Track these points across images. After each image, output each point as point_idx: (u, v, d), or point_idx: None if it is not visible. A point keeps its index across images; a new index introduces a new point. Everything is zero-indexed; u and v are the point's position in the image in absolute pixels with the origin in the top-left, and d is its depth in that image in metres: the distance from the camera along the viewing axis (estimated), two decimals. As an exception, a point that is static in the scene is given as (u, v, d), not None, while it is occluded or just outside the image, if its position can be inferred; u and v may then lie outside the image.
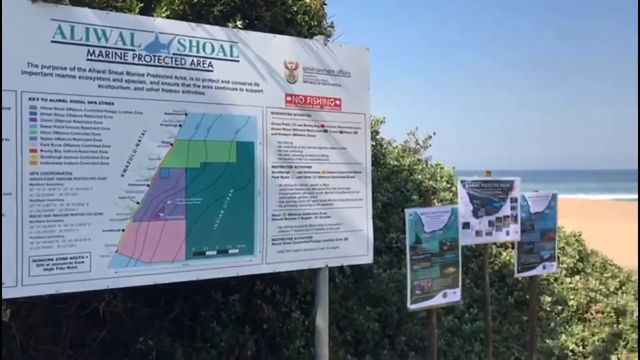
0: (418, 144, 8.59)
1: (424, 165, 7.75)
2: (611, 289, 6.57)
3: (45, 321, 3.78)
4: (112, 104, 2.87)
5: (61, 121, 2.75)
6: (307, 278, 4.88)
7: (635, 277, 7.37)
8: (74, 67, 2.77)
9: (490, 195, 4.43)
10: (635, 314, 6.14)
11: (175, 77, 3.03)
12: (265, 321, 4.78)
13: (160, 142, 2.99)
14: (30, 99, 2.67)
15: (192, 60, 3.08)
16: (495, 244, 6.39)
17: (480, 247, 6.13)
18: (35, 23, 2.68)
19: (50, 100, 2.72)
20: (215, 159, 3.11)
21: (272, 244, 3.24)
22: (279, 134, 3.28)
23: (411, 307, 3.89)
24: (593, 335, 5.66)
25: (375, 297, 5.47)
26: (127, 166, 2.90)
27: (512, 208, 4.52)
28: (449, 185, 7.28)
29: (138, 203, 2.92)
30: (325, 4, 4.22)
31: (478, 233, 4.38)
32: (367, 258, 3.61)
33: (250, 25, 3.61)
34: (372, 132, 7.64)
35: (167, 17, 3.27)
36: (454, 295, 4.16)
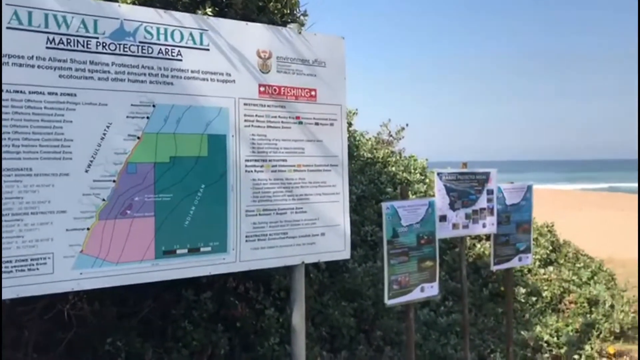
0: (391, 135, 8.53)
1: (398, 157, 7.70)
2: (584, 279, 6.63)
3: (6, 325, 3.59)
4: (75, 95, 2.70)
5: (19, 114, 2.57)
6: (282, 274, 4.78)
7: (607, 267, 7.47)
8: (32, 56, 2.59)
9: (466, 188, 4.38)
10: (608, 303, 6.20)
11: (142, 66, 2.87)
12: (239, 319, 4.68)
13: (127, 135, 2.83)
14: (-16, 90, 2.49)
15: (160, 49, 2.92)
16: (469, 236, 6.37)
17: (454, 239, 6.11)
18: (-12, 8, 2.50)
19: (7, 91, 2.54)
20: (186, 153, 2.96)
21: (246, 240, 3.12)
22: (252, 126, 3.15)
23: (388, 302, 3.82)
24: (567, 325, 5.69)
25: (351, 292, 5.40)
26: (91, 161, 2.74)
27: (489, 200, 4.48)
28: (422, 177, 7.25)
29: (104, 200, 2.77)
30: (298, -8, 4.10)
31: (455, 226, 4.33)
32: (345, 253, 3.52)
33: (221, 13, 3.46)
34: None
35: (133, 3, 3.11)
36: (432, 290, 4.10)
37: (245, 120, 3.12)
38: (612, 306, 6.19)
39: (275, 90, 3.23)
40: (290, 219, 3.25)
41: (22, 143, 2.57)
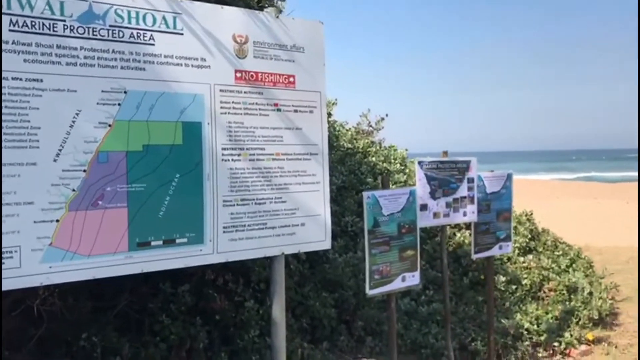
0: (371, 126, 8.47)
1: (378, 148, 7.65)
2: (562, 267, 6.67)
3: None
4: (41, 80, 2.56)
5: (-19, 100, 2.43)
6: (261, 265, 4.70)
7: (585, 254, 7.53)
8: (-6, 39, 2.46)
9: (447, 176, 4.34)
10: (587, 290, 6.24)
11: (113, 51, 2.74)
12: (218, 312, 4.61)
13: (97, 123, 2.70)
14: (-57, 75, 2.35)
15: (131, 33, 2.79)
16: (450, 225, 6.36)
17: (434, 228, 6.09)
18: (-55, -12, 2.35)
19: (-33, 76, 2.40)
20: (159, 141, 2.84)
21: (224, 231, 3.02)
22: (229, 113, 3.04)
23: (370, 292, 3.77)
24: (547, 313, 5.71)
25: (332, 283, 5.34)
26: (60, 150, 2.61)
27: (469, 188, 4.45)
28: (402, 167, 7.22)
29: (74, 190, 2.64)
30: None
31: (436, 215, 4.29)
32: (325, 244, 3.44)
33: (195, -4, 3.34)
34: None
35: (103, -15, 2.97)
36: (413, 279, 4.07)
37: (222, 107, 3.01)
38: (590, 293, 6.24)
39: (252, 76, 3.13)
40: (269, 209, 3.16)
41: (-16, 131, 2.44)
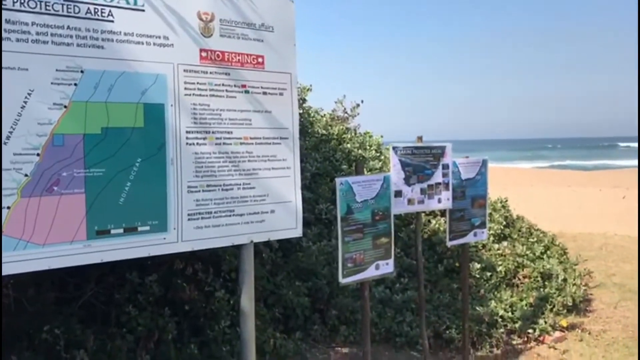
0: (346, 112, 8.36)
1: (353, 134, 7.55)
2: (537, 254, 6.66)
3: None
4: (-11, 57, 2.39)
5: None
6: (232, 254, 4.58)
7: (559, 241, 7.55)
8: None
9: (421, 162, 4.25)
10: (561, 277, 6.25)
11: (68, 27, 2.57)
12: (187, 302, 4.49)
13: (52, 104, 2.54)
14: None
15: (88, 9, 2.63)
16: (425, 212, 6.30)
17: (409, 215, 6.03)
18: None
19: None
20: (119, 124, 2.69)
21: (189, 219, 2.88)
22: (194, 94, 2.89)
23: (342, 281, 3.68)
24: (521, 300, 5.70)
25: (305, 271, 5.25)
26: (10, 132, 2.45)
27: (444, 175, 4.38)
28: (377, 154, 7.13)
29: (26, 175, 2.49)
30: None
31: (410, 201, 4.21)
32: (296, 231, 3.33)
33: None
34: (298, 100, 7.34)
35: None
36: (387, 267, 3.98)
37: (186, 89, 2.87)
38: (564, 280, 6.25)
39: (218, 56, 2.98)
40: (237, 195, 3.03)
41: None
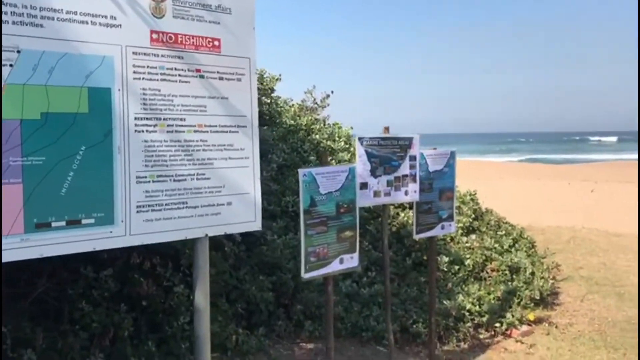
0: (316, 103, 8.21)
1: (322, 125, 7.41)
2: (505, 247, 6.63)
3: None
4: None
5: None
6: (192, 248, 4.41)
7: (527, 234, 7.54)
8: None
9: (388, 154, 4.14)
10: (529, 270, 6.22)
11: (2, 3, 2.37)
12: (145, 297, 4.32)
13: (-16, 86, 2.35)
14: None
15: (25, -16, 2.43)
16: (392, 204, 6.21)
17: (378, 207, 5.92)
18: None
19: None
20: (61, 109, 2.50)
21: (138, 211, 2.71)
22: (143, 78, 2.71)
23: (305, 276, 3.55)
24: (489, 294, 5.65)
25: (269, 265, 5.11)
26: (-63, 117, 2.25)
27: (411, 167, 4.27)
28: (347, 146, 7.01)
29: (-44, 164, 2.29)
30: None
31: (376, 194, 4.10)
32: (255, 224, 3.17)
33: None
34: (267, 90, 7.17)
35: None
36: (352, 261, 3.87)
37: (135, 72, 2.68)
38: (532, 273, 6.23)
39: (170, 38, 2.80)
40: (190, 186, 2.86)
41: None
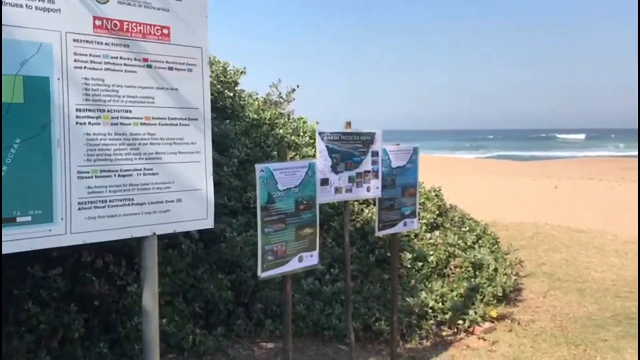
0: (281, 97, 8.07)
1: (287, 120, 7.27)
2: (468, 243, 6.61)
3: None
4: None
5: None
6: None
7: (491, 230, 7.56)
8: None
9: (350, 149, 4.04)
10: (492, 267, 6.22)
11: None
12: (97, 297, 4.16)
13: None
14: None
15: (-47, -37, 2.25)
16: (357, 200, 6.14)
17: (342, 204, 5.83)
18: None
19: None
20: (-8, 98, 2.34)
21: (80, 208, 2.56)
22: (86, 67, 2.56)
23: (262, 275, 3.43)
24: (452, 290, 5.61)
25: (229, 263, 4.97)
26: None
27: (373, 162, 4.18)
28: (312, 141, 6.89)
29: None
30: None
31: (337, 190, 4.00)
32: (207, 222, 3.04)
33: None
34: (230, 83, 7.01)
35: None
36: (311, 259, 3.77)
37: (76, 61, 2.53)
38: (495, 269, 6.22)
39: (115, 25, 2.65)
40: (137, 182, 2.72)
41: None
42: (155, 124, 2.77)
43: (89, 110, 2.56)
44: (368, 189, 4.19)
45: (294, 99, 8.26)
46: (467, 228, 7.00)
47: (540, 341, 5.17)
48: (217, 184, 5.46)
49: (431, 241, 6.28)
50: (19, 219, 2.41)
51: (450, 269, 6.10)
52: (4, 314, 3.80)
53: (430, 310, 5.27)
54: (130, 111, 2.68)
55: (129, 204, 2.70)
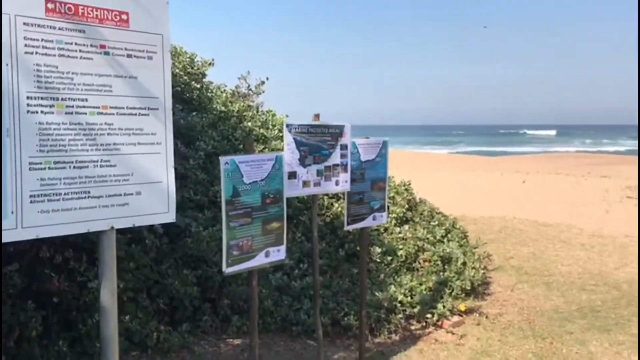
0: (250, 89, 7.96)
1: (255, 112, 7.16)
2: (438, 237, 6.62)
3: None
4: None
5: None
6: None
7: (459, 224, 7.58)
8: None
9: (318, 142, 3.98)
10: (460, 261, 6.23)
11: None
12: (56, 294, 4.03)
13: None
14: None
15: None
16: (327, 194, 6.08)
17: (311, 198, 5.77)
18: None
19: None
20: None
21: (32, 202, 2.43)
22: (37, 53, 2.42)
23: (227, 270, 3.35)
24: (421, 284, 5.61)
25: (194, 258, 4.87)
26: None
27: (342, 156, 4.13)
28: (281, 134, 6.79)
29: None
30: None
31: (305, 183, 3.93)
32: (168, 216, 2.94)
33: None
34: (198, 75, 6.87)
35: None
36: (278, 254, 3.69)
37: (26, 46, 2.39)
38: (464, 263, 6.24)
39: (69, 9, 2.52)
40: (93, 174, 2.60)
41: None
42: (113, 114, 2.65)
43: (42, 98, 2.43)
44: (337, 183, 4.14)
45: (263, 92, 8.16)
46: (437, 222, 7.01)
47: (508, 334, 5.20)
48: (183, 177, 5.35)
49: (400, 235, 6.26)
50: (-36, 213, 2.28)
51: (419, 263, 6.09)
52: (-44, 312, 3.64)
53: (399, 305, 5.26)
54: (87, 100, 2.56)
55: (85, 197, 2.58)
